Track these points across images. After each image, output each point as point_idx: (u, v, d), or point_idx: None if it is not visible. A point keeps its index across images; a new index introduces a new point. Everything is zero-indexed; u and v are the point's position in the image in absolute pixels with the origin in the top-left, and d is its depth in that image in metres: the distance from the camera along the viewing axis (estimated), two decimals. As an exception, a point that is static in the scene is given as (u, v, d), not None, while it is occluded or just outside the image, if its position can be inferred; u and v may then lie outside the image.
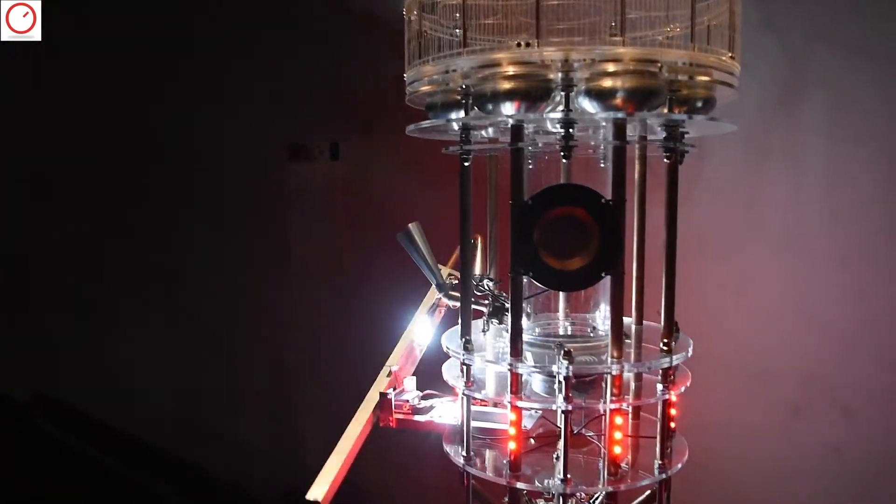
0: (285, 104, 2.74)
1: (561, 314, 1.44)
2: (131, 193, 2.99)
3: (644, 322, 1.43)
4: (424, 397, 1.50)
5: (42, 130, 3.08)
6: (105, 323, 3.12)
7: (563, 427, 1.16)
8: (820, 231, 2.20)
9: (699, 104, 1.19)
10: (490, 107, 1.14)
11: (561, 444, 1.18)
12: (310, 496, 1.24)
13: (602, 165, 1.36)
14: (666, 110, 1.15)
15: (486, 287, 1.40)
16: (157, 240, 2.99)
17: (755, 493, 2.28)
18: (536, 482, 1.23)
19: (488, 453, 1.35)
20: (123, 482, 3.15)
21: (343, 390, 2.73)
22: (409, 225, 1.44)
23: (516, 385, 1.20)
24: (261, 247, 2.86)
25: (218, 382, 2.99)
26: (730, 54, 1.16)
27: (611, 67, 1.07)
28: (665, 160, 1.21)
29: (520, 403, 1.20)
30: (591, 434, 1.38)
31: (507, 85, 1.10)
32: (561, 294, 1.43)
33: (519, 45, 1.06)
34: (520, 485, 1.21)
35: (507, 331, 1.32)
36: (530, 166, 1.38)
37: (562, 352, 1.15)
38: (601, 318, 1.39)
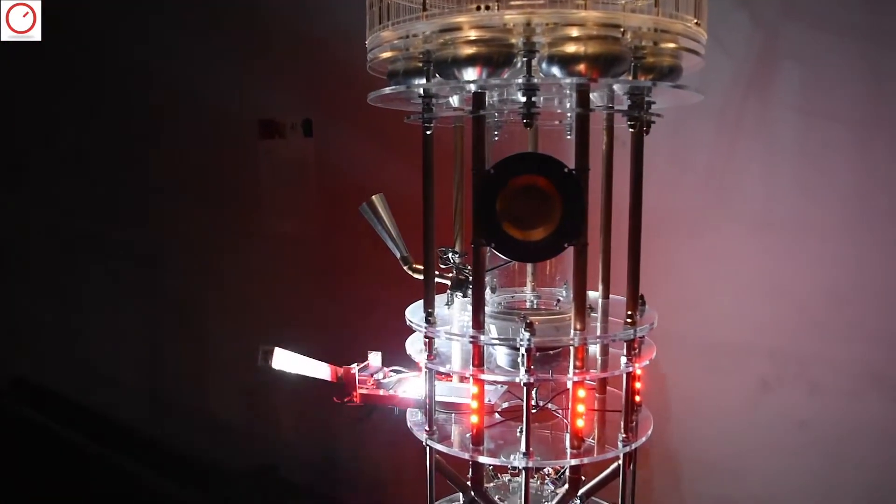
0: (256, 79, 2.70)
1: (528, 288, 1.43)
2: (101, 173, 2.96)
3: (612, 296, 1.42)
4: (389, 373, 1.49)
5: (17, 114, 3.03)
6: (76, 302, 3.10)
7: (524, 400, 1.15)
8: (791, 207, 2.20)
9: (665, 72, 1.16)
10: (451, 72, 1.11)
11: (535, 412, 1.17)
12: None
13: (568, 137, 1.34)
14: (631, 77, 1.13)
15: (450, 260, 1.38)
16: (128, 219, 2.96)
17: (724, 466, 2.31)
18: (500, 457, 1.22)
19: (453, 428, 1.34)
20: (96, 461, 3.13)
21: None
22: (373, 196, 1.41)
23: (479, 358, 1.18)
24: (233, 225, 2.83)
25: (191, 359, 2.99)
26: (695, 21, 1.13)
27: (574, 32, 1.05)
28: (630, 129, 1.19)
29: (482, 376, 1.18)
30: (556, 409, 1.37)
31: (468, 50, 1.08)
32: (528, 267, 1.41)
33: (479, 8, 1.03)
34: (482, 459, 1.19)
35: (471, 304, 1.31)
36: (496, 138, 1.36)
37: (524, 324, 1.13)
38: (566, 291, 1.38)
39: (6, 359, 3.22)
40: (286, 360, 1.42)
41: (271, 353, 1.39)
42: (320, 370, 1.44)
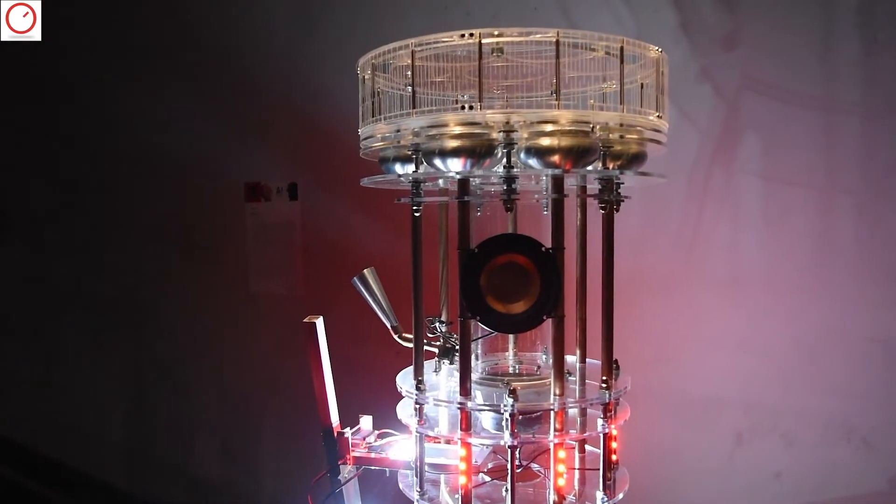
0: (243, 143, 2.78)
1: (510, 353, 1.52)
2: (85, 227, 2.99)
3: (588, 360, 1.52)
4: (380, 436, 1.56)
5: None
6: (57, 357, 3.10)
7: (510, 461, 1.24)
8: (757, 266, 2.32)
9: (631, 158, 1.28)
10: (438, 162, 1.22)
11: (519, 472, 1.25)
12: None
13: (545, 213, 1.45)
14: (600, 165, 1.25)
15: (438, 329, 1.47)
16: (111, 274, 2.98)
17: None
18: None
19: (442, 488, 1.42)
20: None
21: (297, 426, 2.77)
22: (364, 270, 1.51)
23: (466, 422, 1.27)
24: (217, 282, 2.87)
25: (172, 417, 2.98)
26: (657, 114, 1.26)
27: (548, 127, 1.17)
28: (601, 210, 1.31)
29: (470, 440, 1.26)
30: (538, 468, 1.45)
31: (453, 143, 1.19)
32: (510, 335, 1.50)
33: (463, 107, 1.14)
34: (470, 517, 1.27)
35: (458, 370, 1.40)
36: (479, 213, 1.47)
37: (507, 390, 1.22)
38: (545, 356, 1.47)
39: None
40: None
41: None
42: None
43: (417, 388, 1.31)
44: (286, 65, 2.71)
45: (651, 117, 1.25)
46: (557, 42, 1.12)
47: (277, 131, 2.77)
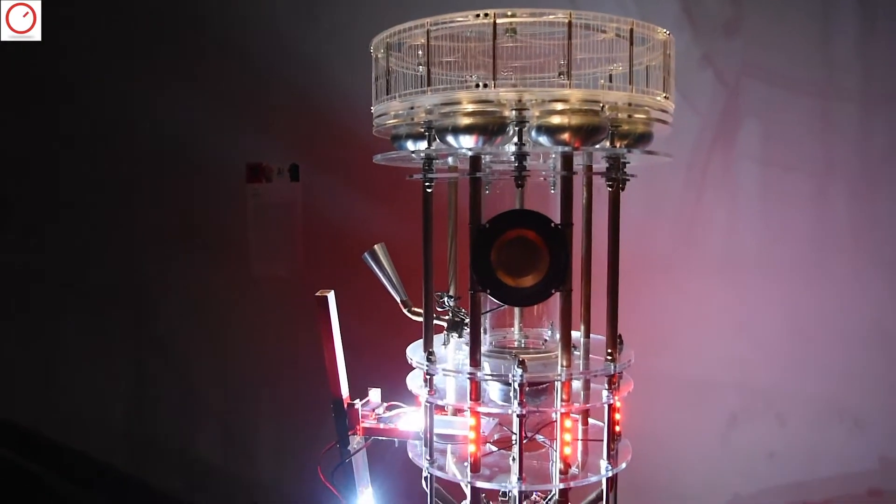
0: (245, 124, 2.79)
1: (515, 328, 1.56)
2: (85, 210, 2.99)
3: (592, 335, 1.56)
4: (389, 408, 1.61)
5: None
6: (57, 342, 3.11)
7: (518, 430, 1.28)
8: (754, 250, 2.36)
9: (638, 138, 1.32)
10: (450, 139, 1.25)
11: (516, 446, 1.30)
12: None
13: (552, 191, 1.49)
14: (608, 144, 1.29)
15: (446, 303, 1.51)
16: (111, 257, 2.99)
17: (697, 495, 2.42)
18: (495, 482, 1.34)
19: (449, 458, 1.46)
20: (74, 502, 3.13)
21: (298, 409, 2.80)
22: (375, 246, 1.54)
23: (476, 392, 1.31)
24: (218, 264, 2.88)
25: (172, 400, 3.00)
26: (664, 94, 1.30)
27: (559, 106, 1.20)
28: (608, 188, 1.34)
29: (479, 409, 1.31)
30: (543, 439, 1.49)
31: (466, 121, 1.22)
32: (516, 309, 1.54)
33: (477, 85, 1.18)
34: (480, 484, 1.31)
35: (466, 344, 1.44)
36: (487, 192, 1.50)
37: (516, 361, 1.26)
38: (550, 331, 1.51)
39: None
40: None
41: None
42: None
43: (428, 360, 1.35)
44: (288, 47, 2.72)
45: (658, 97, 1.29)
46: (570, 23, 1.16)
47: (279, 113, 2.78)
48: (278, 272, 2.83)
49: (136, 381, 3.06)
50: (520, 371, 1.25)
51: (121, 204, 2.95)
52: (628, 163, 1.36)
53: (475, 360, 1.30)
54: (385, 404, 1.61)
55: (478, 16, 1.17)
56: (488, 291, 1.27)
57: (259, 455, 2.93)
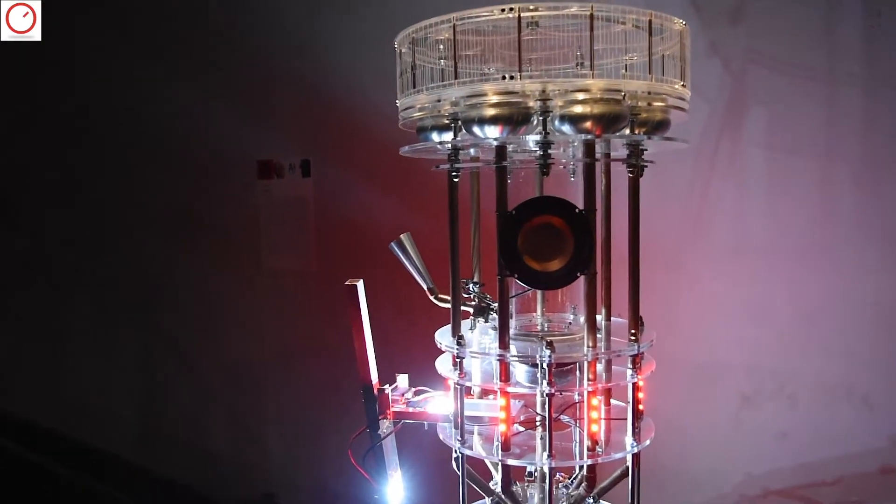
0: (256, 121, 2.84)
1: (539, 312, 1.61)
2: (97, 205, 3.04)
3: (612, 319, 1.61)
4: (416, 393, 1.66)
5: (8, 148, 3.11)
6: (69, 335, 3.14)
7: (547, 409, 1.33)
8: (762, 234, 2.41)
9: (656, 125, 1.37)
10: (476, 130, 1.30)
11: (545, 424, 1.35)
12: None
13: (572, 179, 1.54)
14: (628, 131, 1.33)
15: (471, 290, 1.56)
16: (123, 252, 3.03)
17: (709, 477, 2.47)
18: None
19: (476, 438, 1.51)
20: (88, 495, 3.18)
21: (308, 401, 2.84)
22: (402, 235, 1.59)
23: (505, 373, 1.36)
24: (229, 259, 2.93)
25: (182, 393, 3.05)
26: (682, 83, 1.34)
27: (581, 96, 1.25)
28: (629, 174, 1.39)
29: (509, 389, 1.36)
30: (567, 419, 1.54)
31: (492, 111, 1.27)
32: (539, 294, 1.59)
33: (504, 77, 1.22)
34: (511, 461, 1.37)
35: (493, 328, 1.49)
36: (509, 180, 1.55)
37: (544, 343, 1.31)
38: (573, 315, 1.56)
39: None
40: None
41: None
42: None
43: (458, 344, 1.39)
44: (298, 44, 2.76)
45: (676, 86, 1.33)
46: (591, 16, 1.20)
47: (290, 109, 2.82)
48: (290, 266, 2.88)
49: (147, 373, 3.10)
50: (548, 352, 1.30)
51: (130, 199, 2.99)
52: (646, 150, 1.41)
53: (504, 343, 1.35)
54: (413, 389, 1.66)
55: (503, 10, 1.21)
56: (516, 276, 1.31)
57: (271, 446, 2.98)
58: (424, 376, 1.66)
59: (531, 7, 1.23)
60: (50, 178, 3.06)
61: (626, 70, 1.42)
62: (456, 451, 1.44)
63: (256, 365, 2.94)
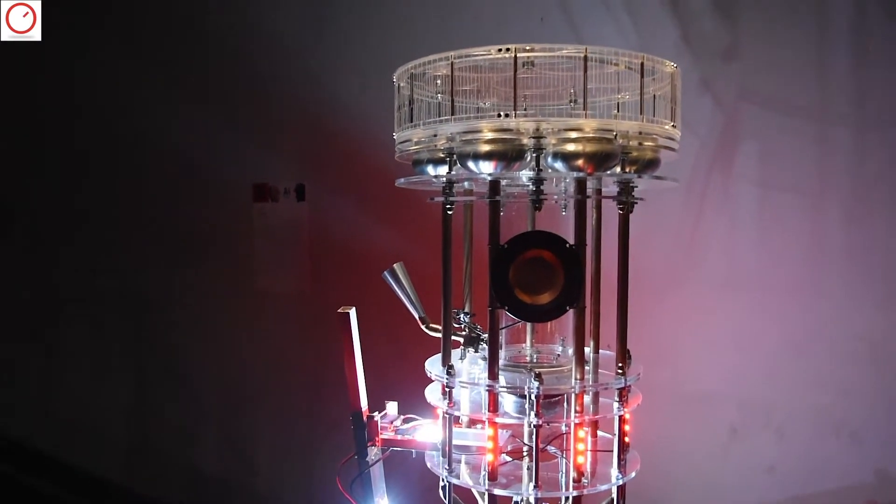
0: (252, 144, 2.85)
1: (528, 344, 1.63)
2: (91, 223, 3.03)
3: (600, 351, 1.63)
4: (405, 420, 1.67)
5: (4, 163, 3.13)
6: (59, 353, 3.13)
7: (534, 439, 1.35)
8: (752, 268, 2.43)
9: (646, 164, 1.40)
10: (471, 165, 1.33)
11: (532, 455, 1.36)
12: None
13: (563, 213, 1.57)
14: (619, 169, 1.37)
15: (462, 320, 1.58)
16: (116, 272, 3.01)
17: (698, 509, 2.48)
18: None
19: (463, 467, 1.53)
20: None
21: (298, 423, 2.84)
22: (395, 264, 1.61)
23: (494, 404, 1.38)
24: (223, 281, 2.92)
25: (173, 413, 3.02)
26: (672, 123, 1.38)
27: (574, 135, 1.28)
28: (619, 211, 1.42)
29: (497, 419, 1.37)
30: (554, 450, 1.56)
31: (486, 147, 1.30)
32: (528, 326, 1.61)
33: (499, 115, 1.26)
34: (498, 491, 1.38)
35: (482, 358, 1.51)
36: (501, 213, 1.58)
37: (533, 374, 1.33)
38: (562, 347, 1.59)
39: None
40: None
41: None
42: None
43: (448, 373, 1.41)
44: (296, 69, 2.78)
45: (666, 126, 1.37)
46: (585, 57, 1.24)
47: (286, 133, 2.82)
48: (283, 289, 2.87)
49: (138, 392, 3.08)
50: (536, 383, 1.32)
51: (126, 218, 2.98)
52: (636, 187, 1.44)
53: (493, 374, 1.37)
54: (402, 417, 1.67)
55: (500, 50, 1.25)
56: (506, 308, 1.33)
57: (260, 467, 2.96)
58: (414, 403, 1.67)
59: (527, 48, 1.27)
60: (44, 196, 3.06)
61: (617, 109, 1.45)
62: (443, 480, 1.46)
63: (248, 386, 2.93)
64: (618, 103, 1.48)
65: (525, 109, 1.40)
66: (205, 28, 2.88)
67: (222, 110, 2.87)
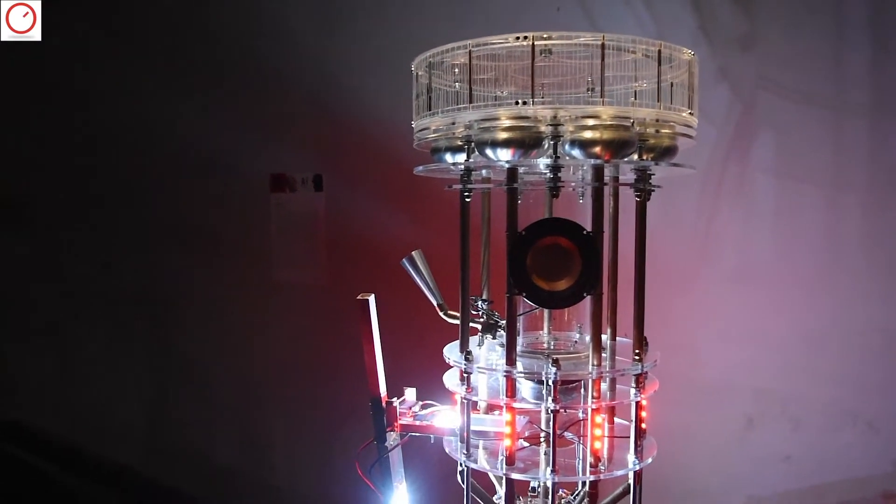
0: (270, 135, 2.87)
1: (545, 331, 1.64)
2: (107, 216, 3.06)
3: (617, 338, 1.64)
4: (423, 406, 1.69)
5: (24, 160, 3.16)
6: (81, 347, 3.16)
7: (551, 425, 1.36)
8: (769, 260, 2.43)
9: (663, 151, 1.41)
10: (489, 152, 1.34)
11: (549, 440, 1.38)
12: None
13: (580, 201, 1.58)
14: (636, 157, 1.37)
15: (479, 307, 1.60)
16: (134, 263, 3.05)
17: (712, 497, 2.49)
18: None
19: (481, 452, 1.55)
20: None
21: (314, 415, 2.86)
22: (413, 252, 1.63)
23: (511, 389, 1.40)
24: (240, 272, 2.94)
25: (192, 406, 3.06)
26: (689, 111, 1.39)
27: (591, 122, 1.29)
28: (636, 199, 1.43)
29: (515, 405, 1.39)
30: (571, 436, 1.58)
31: (504, 135, 1.31)
32: (545, 313, 1.63)
33: (517, 103, 1.27)
34: (515, 476, 1.40)
35: (500, 345, 1.53)
36: (519, 201, 1.59)
37: (550, 360, 1.35)
38: (579, 334, 1.60)
39: (3, 403, 3.25)
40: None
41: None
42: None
43: (466, 359, 1.43)
44: (312, 62, 2.80)
45: (683, 114, 1.37)
46: (603, 45, 1.25)
47: (303, 125, 2.84)
48: (300, 279, 2.89)
49: (156, 385, 3.11)
50: (554, 369, 1.34)
51: (143, 210, 3.01)
52: (653, 174, 1.45)
53: (511, 359, 1.38)
54: (420, 403, 1.69)
55: (518, 38, 1.26)
56: (525, 295, 1.35)
57: (275, 460, 2.99)
58: (430, 391, 1.69)
59: (545, 36, 1.28)
60: (64, 190, 3.09)
61: (634, 97, 1.46)
62: (461, 465, 1.48)
63: (265, 378, 2.96)
64: (634, 92, 1.49)
65: (542, 97, 1.41)
66: (221, 21, 2.90)
67: (240, 102, 2.89)
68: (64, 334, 3.18)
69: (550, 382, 1.34)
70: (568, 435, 1.57)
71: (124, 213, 3.05)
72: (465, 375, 1.44)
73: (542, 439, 1.56)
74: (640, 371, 1.43)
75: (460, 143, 1.41)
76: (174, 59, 2.95)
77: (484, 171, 1.57)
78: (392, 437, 1.63)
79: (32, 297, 3.19)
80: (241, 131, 2.89)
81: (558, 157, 1.30)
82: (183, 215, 2.99)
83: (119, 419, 3.13)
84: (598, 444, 1.40)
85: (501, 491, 1.52)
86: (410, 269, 1.64)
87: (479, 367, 1.44)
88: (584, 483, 1.52)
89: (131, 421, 3.13)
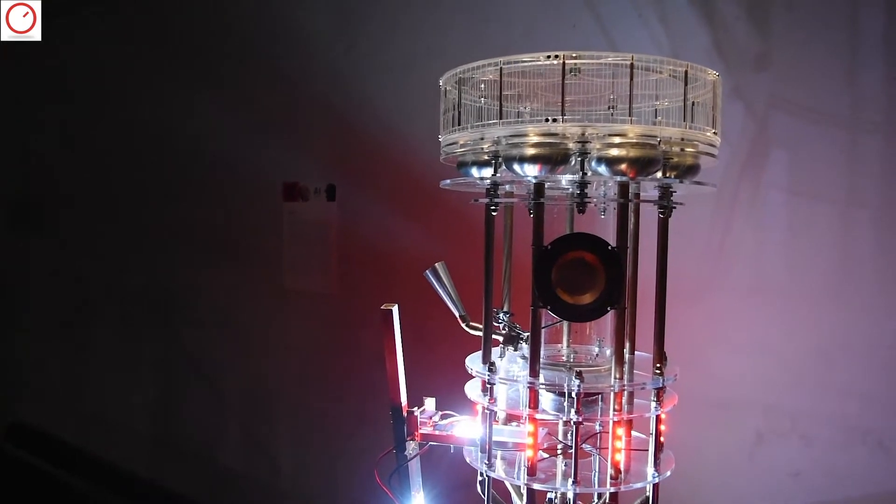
0: (283, 144, 2.91)
1: (565, 344, 1.67)
2: (121, 220, 3.10)
3: (636, 352, 1.66)
4: (443, 417, 1.71)
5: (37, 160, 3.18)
6: (92, 349, 3.19)
7: (574, 436, 1.38)
8: (781, 276, 2.44)
9: (686, 169, 1.44)
10: (517, 167, 1.37)
11: (571, 452, 1.40)
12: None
13: (602, 217, 1.60)
14: (660, 175, 1.40)
15: (501, 319, 1.62)
16: (145, 269, 3.07)
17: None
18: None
19: (500, 463, 1.56)
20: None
21: (321, 422, 2.88)
22: (436, 264, 1.65)
23: (534, 400, 1.42)
24: (251, 279, 2.97)
25: (200, 409, 3.08)
26: (713, 130, 1.41)
27: (618, 140, 1.32)
28: (659, 215, 1.46)
29: (538, 416, 1.41)
30: (589, 448, 1.59)
31: (532, 151, 1.34)
32: (565, 326, 1.65)
33: (547, 120, 1.30)
34: (537, 486, 1.42)
35: (521, 357, 1.55)
36: (544, 216, 1.61)
37: (574, 372, 1.37)
38: (599, 347, 1.62)
39: (9, 402, 3.28)
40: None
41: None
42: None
43: (490, 370, 1.45)
44: (327, 71, 2.83)
45: (707, 133, 1.40)
46: (632, 65, 1.28)
47: (317, 134, 2.87)
48: (311, 288, 2.91)
49: (164, 389, 3.13)
50: (577, 382, 1.36)
51: (156, 215, 3.04)
52: (675, 192, 1.47)
53: (534, 371, 1.41)
54: (440, 413, 1.71)
55: (548, 57, 1.29)
56: (549, 308, 1.37)
57: (283, 466, 3.00)
58: (445, 402, 1.71)
59: (573, 55, 1.31)
60: (74, 194, 3.12)
61: (657, 115, 1.49)
62: (482, 474, 1.50)
63: (273, 384, 2.97)
64: (656, 110, 1.52)
65: (581, 115, 1.44)
66: (236, 28, 2.93)
67: (254, 110, 2.92)
68: (75, 336, 3.20)
69: (573, 394, 1.36)
70: (586, 447, 1.59)
71: (139, 219, 3.07)
72: (489, 386, 1.46)
73: (559, 451, 1.57)
74: (660, 385, 1.45)
75: (487, 158, 1.44)
76: (192, 67, 2.98)
77: (509, 186, 1.59)
78: (412, 447, 1.65)
79: (46, 298, 3.21)
80: (255, 140, 2.91)
81: (585, 174, 1.33)
82: (196, 221, 3.01)
83: (128, 421, 3.14)
84: (619, 457, 1.42)
85: (520, 502, 1.54)
86: (433, 281, 1.66)
87: (502, 379, 1.46)
88: (600, 495, 1.54)
89: (140, 424, 3.14)
